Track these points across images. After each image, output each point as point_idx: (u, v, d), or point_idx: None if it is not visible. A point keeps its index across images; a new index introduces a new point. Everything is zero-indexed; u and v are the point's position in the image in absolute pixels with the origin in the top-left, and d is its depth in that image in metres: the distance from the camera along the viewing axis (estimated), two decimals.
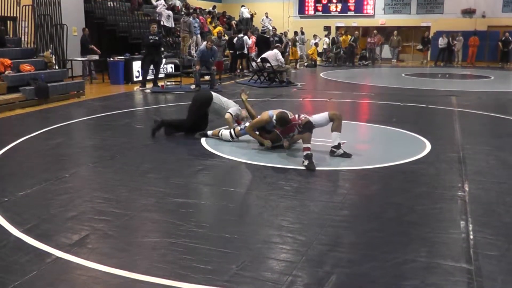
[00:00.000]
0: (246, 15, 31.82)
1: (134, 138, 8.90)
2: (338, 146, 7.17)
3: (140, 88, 16.26)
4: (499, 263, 4.03)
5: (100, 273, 3.86)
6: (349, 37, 29.40)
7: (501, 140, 8.78)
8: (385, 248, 4.29)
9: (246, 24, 30.49)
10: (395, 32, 31.34)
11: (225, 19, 30.39)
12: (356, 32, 30.62)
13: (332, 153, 7.22)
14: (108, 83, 18.03)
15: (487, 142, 8.55)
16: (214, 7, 32.14)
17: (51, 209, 5.23)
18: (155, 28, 16.87)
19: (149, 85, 16.81)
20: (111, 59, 18.26)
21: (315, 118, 7.32)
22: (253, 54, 21.98)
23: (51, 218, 4.98)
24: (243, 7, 32.49)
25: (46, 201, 5.48)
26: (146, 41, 16.45)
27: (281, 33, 27.64)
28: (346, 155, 7.11)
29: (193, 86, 16.12)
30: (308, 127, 6.99)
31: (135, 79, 18.32)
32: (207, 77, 16.49)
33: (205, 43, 16.27)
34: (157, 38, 16.56)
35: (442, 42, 29.29)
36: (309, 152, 6.79)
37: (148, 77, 17.39)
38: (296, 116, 7.52)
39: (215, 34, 21.17)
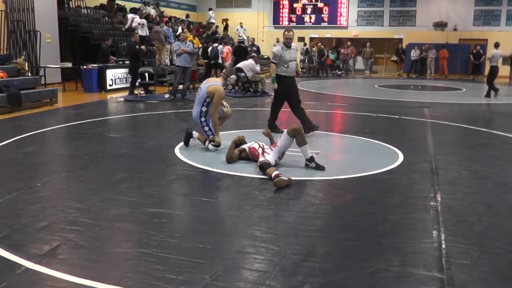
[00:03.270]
0: (213, 20, 31.91)
1: (107, 147, 8.82)
2: (311, 159, 7.16)
3: (126, 98, 16.02)
4: (471, 272, 4.07)
5: (71, 284, 3.79)
6: (322, 47, 29.64)
7: (472, 151, 8.90)
8: (358, 257, 4.30)
9: (213, 26, 30.68)
10: (368, 43, 31.72)
11: (201, 29, 30.36)
12: (319, 43, 30.80)
13: (306, 166, 7.22)
14: (82, 91, 17.87)
15: (459, 153, 8.66)
16: (187, 16, 32.13)
17: (22, 219, 5.14)
18: (137, 37, 16.87)
19: (122, 94, 16.69)
20: (85, 67, 18.10)
21: (279, 145, 7.25)
22: (228, 63, 21.95)
23: (22, 228, 4.89)
24: (211, 11, 32.54)
25: (17, 210, 5.39)
26: (133, 50, 16.37)
27: (239, 40, 27.68)
28: (319, 167, 7.10)
29: (167, 95, 16.05)
30: (262, 168, 6.94)
31: (108, 87, 18.21)
32: (180, 86, 16.41)
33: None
34: (137, 46, 16.59)
35: (414, 54, 29.70)
36: (310, 154, 7.15)
37: (121, 86, 17.27)
38: (260, 150, 7.41)
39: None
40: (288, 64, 9.62)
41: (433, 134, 10.23)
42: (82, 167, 7.28)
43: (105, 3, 25.53)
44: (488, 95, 18.27)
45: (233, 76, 8.78)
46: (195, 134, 8.64)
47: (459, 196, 6.10)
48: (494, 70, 18.42)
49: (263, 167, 6.78)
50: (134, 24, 23.54)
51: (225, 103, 8.89)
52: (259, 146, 7.45)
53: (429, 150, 8.72)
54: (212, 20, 32.19)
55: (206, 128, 8.40)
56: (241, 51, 22.61)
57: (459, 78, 28.15)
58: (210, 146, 8.39)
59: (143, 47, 17.57)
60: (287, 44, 9.58)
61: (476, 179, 6.91)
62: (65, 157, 8.20)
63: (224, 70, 9.03)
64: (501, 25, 31.04)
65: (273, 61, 9.73)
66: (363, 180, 6.74)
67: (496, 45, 19.04)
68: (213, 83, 8.46)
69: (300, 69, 10.57)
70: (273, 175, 6.46)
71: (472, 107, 15.47)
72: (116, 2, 27.28)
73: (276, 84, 9.80)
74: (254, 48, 24.97)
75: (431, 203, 5.76)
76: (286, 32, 9.60)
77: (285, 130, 7.30)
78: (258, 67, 18.09)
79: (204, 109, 8.37)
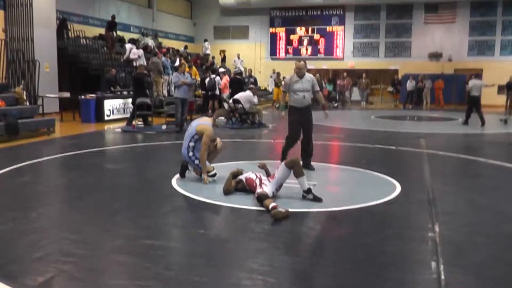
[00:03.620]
0: (208, 51, 32.18)
1: (104, 178, 8.78)
2: (308, 191, 7.11)
3: (123, 128, 16.03)
4: None
5: None
6: (318, 78, 29.81)
7: (469, 181, 8.89)
8: None
9: (208, 56, 30.90)
10: (364, 74, 31.95)
11: (198, 61, 30.56)
12: (317, 74, 31.06)
13: (303, 197, 7.17)
14: (79, 121, 17.87)
15: (456, 183, 8.64)
16: (185, 47, 32.36)
17: (17, 249, 5.09)
18: (143, 68, 16.94)
19: (119, 124, 16.70)
20: (83, 97, 18.14)
21: (277, 177, 7.24)
22: (225, 95, 21.99)
23: (16, 259, 4.83)
24: (206, 42, 32.83)
25: (12, 241, 5.33)
26: (139, 81, 16.41)
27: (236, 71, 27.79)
28: (316, 199, 7.06)
29: (164, 126, 16.04)
30: (259, 199, 6.92)
31: (106, 118, 18.23)
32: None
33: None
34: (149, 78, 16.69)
35: (410, 85, 29.86)
36: (307, 186, 7.09)
37: (119, 116, 17.27)
38: (257, 181, 7.38)
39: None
40: (298, 94, 9.39)
41: (430, 165, 10.21)
42: (78, 197, 7.23)
43: (104, 34, 25.72)
44: (466, 123, 18.75)
45: (222, 118, 8.78)
46: (190, 166, 8.64)
47: (457, 226, 6.06)
48: (474, 100, 18.74)
49: (261, 198, 6.74)
50: (132, 56, 23.68)
51: (217, 139, 8.86)
52: (257, 177, 7.42)
53: (426, 180, 8.70)
54: (208, 51, 32.50)
55: (197, 162, 8.38)
56: (237, 83, 22.68)
57: (455, 108, 28.27)
58: (209, 179, 8.38)
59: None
60: (298, 73, 9.41)
61: (474, 209, 6.87)
62: (61, 187, 8.16)
63: (216, 111, 9.05)
64: (495, 55, 31.42)
65: (283, 89, 9.82)
66: (361, 211, 6.69)
67: (476, 76, 19.78)
68: (203, 122, 8.51)
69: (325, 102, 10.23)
70: (270, 206, 6.42)
71: (468, 138, 15.50)
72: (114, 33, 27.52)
73: (283, 112, 10.00)
74: (252, 80, 25.06)
75: (429, 234, 5.72)
76: (297, 62, 9.56)
77: (282, 162, 7.28)
78: (255, 99, 18.14)
79: (191, 144, 8.39)
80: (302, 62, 9.52)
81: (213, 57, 32.34)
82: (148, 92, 17.45)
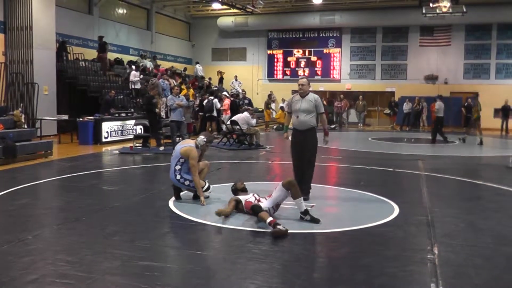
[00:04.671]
0: (200, 73, 32.26)
1: (100, 199, 8.72)
2: (306, 212, 7.07)
3: (121, 150, 15.94)
4: None
5: None
6: None
7: (468, 203, 8.85)
8: None
9: (200, 78, 31.07)
10: (361, 96, 32.04)
11: (196, 83, 30.64)
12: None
13: (301, 218, 7.11)
14: (77, 143, 17.84)
15: (455, 205, 8.60)
16: (185, 69, 32.44)
17: (12, 271, 5.02)
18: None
19: (117, 146, 16.66)
20: (81, 119, 18.13)
21: (274, 196, 7.20)
22: (226, 116, 21.98)
23: (10, 281, 4.76)
24: (198, 65, 32.96)
25: (7, 263, 5.26)
26: (150, 104, 16.32)
27: (233, 92, 27.87)
28: (314, 220, 7.01)
29: (161, 148, 15.99)
30: (254, 211, 6.88)
31: (104, 140, 18.20)
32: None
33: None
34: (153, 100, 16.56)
35: (406, 107, 29.91)
36: (305, 207, 7.03)
37: (117, 138, 17.22)
38: (253, 199, 7.35)
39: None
40: (297, 115, 8.75)
41: (428, 187, 10.17)
42: (74, 219, 7.17)
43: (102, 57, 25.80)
44: (433, 141, 20.61)
45: (202, 137, 8.68)
46: (183, 189, 8.62)
47: (457, 248, 6.01)
48: (440, 120, 20.88)
49: (255, 210, 6.72)
50: (133, 78, 23.75)
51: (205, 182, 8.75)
52: (256, 199, 7.37)
53: (424, 202, 8.66)
54: (200, 73, 32.52)
55: (187, 183, 8.34)
56: (233, 105, 22.72)
57: (452, 131, 28.28)
58: (204, 194, 8.36)
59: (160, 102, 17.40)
60: (300, 91, 8.81)
61: (473, 232, 6.83)
62: (57, 210, 8.10)
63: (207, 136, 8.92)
64: (491, 78, 31.53)
65: (286, 110, 9.41)
66: (359, 233, 6.65)
67: (441, 97, 21.66)
68: (186, 145, 8.50)
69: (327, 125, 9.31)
70: (268, 220, 6.41)
71: (465, 160, 15.48)
72: (111, 54, 27.60)
73: (286, 134, 9.63)
74: (246, 101, 25.03)
75: (428, 256, 5.66)
76: (299, 79, 9.03)
77: (280, 183, 7.25)
78: (253, 121, 18.13)
79: (178, 167, 8.38)
80: (304, 79, 8.89)
81: (210, 78, 32.43)
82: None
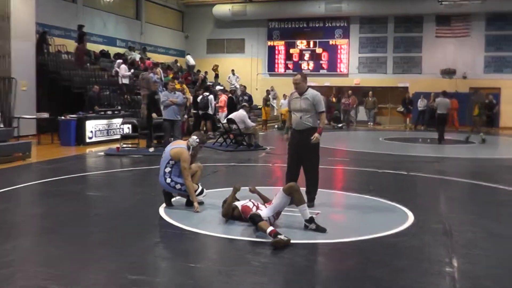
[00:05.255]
0: (192, 62, 32.14)
1: (85, 206, 8.72)
2: (311, 220, 7.04)
3: (107, 152, 15.92)
4: None
5: None
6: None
7: (487, 209, 8.84)
8: None
9: (187, 71, 31.06)
10: (370, 92, 31.98)
11: (190, 77, 30.62)
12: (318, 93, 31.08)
13: (305, 227, 7.09)
14: (58, 144, 17.81)
15: (473, 212, 8.61)
16: (176, 61, 32.36)
17: None
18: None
19: (102, 147, 16.66)
20: (62, 117, 18.08)
21: (274, 203, 7.18)
22: (223, 114, 21.95)
23: None
24: (188, 55, 33.01)
25: None
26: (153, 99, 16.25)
27: (232, 88, 27.73)
28: (319, 229, 6.99)
29: (151, 149, 15.97)
30: (252, 220, 6.87)
31: (88, 140, 18.17)
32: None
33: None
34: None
35: (421, 104, 29.86)
36: (309, 215, 6.99)
37: (102, 138, 17.20)
38: (254, 209, 7.32)
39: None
40: (294, 114, 8.68)
41: (445, 192, 10.18)
42: (56, 228, 7.17)
43: (88, 49, 25.74)
44: (440, 142, 20.58)
45: (194, 137, 8.67)
46: (174, 193, 8.61)
47: (475, 259, 6.02)
48: (441, 117, 20.88)
49: (254, 219, 6.71)
50: (124, 73, 23.67)
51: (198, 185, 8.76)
52: (254, 205, 7.37)
53: (441, 209, 8.66)
54: (191, 63, 32.34)
55: (178, 186, 8.34)
56: (230, 102, 22.69)
57: (471, 130, 28.25)
58: (197, 198, 8.37)
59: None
60: (296, 89, 8.70)
61: (493, 240, 6.84)
62: (38, 217, 8.09)
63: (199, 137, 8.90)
64: None
65: (289, 109, 9.10)
66: (369, 243, 6.64)
67: (444, 94, 21.43)
68: (177, 146, 8.52)
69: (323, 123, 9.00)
70: (268, 230, 6.39)
71: (485, 162, 15.49)
72: (97, 46, 27.60)
73: (286, 135, 9.28)
74: (246, 97, 24.92)
75: (446, 269, 5.66)
76: (294, 76, 8.82)
77: (281, 188, 7.23)
78: (251, 123, 17.99)
79: (167, 170, 8.38)
80: (298, 76, 8.68)
81: (206, 73, 32.41)
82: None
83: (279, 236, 6.29)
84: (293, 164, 8.79)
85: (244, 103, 20.61)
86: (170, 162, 8.36)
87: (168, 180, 8.35)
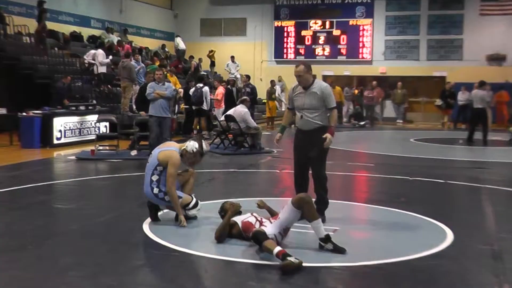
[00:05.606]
0: (182, 46, 31.98)
1: (52, 221, 8.74)
2: (327, 239, 6.97)
3: (78, 156, 15.93)
4: None
5: None
6: (338, 89, 29.77)
7: None
8: None
9: (177, 58, 30.98)
10: (399, 83, 31.82)
11: (180, 65, 30.56)
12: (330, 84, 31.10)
13: (320, 247, 7.04)
14: (18, 147, 17.81)
15: None
16: (163, 46, 32.24)
17: None
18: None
19: (73, 150, 16.68)
20: (24, 114, 18.07)
21: (281, 218, 7.15)
22: (220, 110, 21.91)
23: None
24: (178, 37, 32.72)
25: None
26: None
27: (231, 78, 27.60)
28: (337, 250, 6.95)
29: (133, 153, 15.95)
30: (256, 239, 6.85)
31: (56, 142, 18.14)
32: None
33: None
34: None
35: (462, 97, 29.67)
36: (324, 233, 6.91)
37: (73, 139, 17.24)
38: (257, 224, 7.31)
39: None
40: (298, 111, 8.67)
41: (493, 205, 10.13)
42: (17, 248, 7.15)
43: (55, 31, 25.75)
44: (469, 141, 21.15)
45: (192, 143, 8.63)
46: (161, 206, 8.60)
47: None
48: (474, 113, 21.35)
49: (257, 237, 6.67)
50: (103, 59, 23.66)
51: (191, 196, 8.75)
52: (257, 220, 7.35)
53: (488, 226, 8.64)
54: (182, 46, 32.02)
55: (167, 198, 8.33)
56: (227, 95, 22.65)
57: None
58: (191, 212, 8.36)
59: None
60: (300, 83, 8.66)
61: None
62: None
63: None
64: None
65: (288, 106, 9.20)
66: (397, 267, 6.63)
67: (481, 84, 21.61)
68: (166, 148, 8.53)
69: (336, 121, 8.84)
70: (275, 251, 6.36)
71: None
72: (67, 27, 27.58)
73: (278, 135, 9.19)
74: (248, 90, 24.78)
75: None
76: (295, 67, 8.74)
77: (289, 200, 7.20)
78: (253, 122, 17.86)
79: (155, 178, 8.38)
80: (301, 66, 8.60)
81: (200, 60, 32.40)
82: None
83: (288, 258, 6.25)
84: (301, 171, 8.81)
85: (245, 97, 20.52)
86: (158, 168, 8.35)
87: (156, 190, 8.34)
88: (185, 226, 8.11)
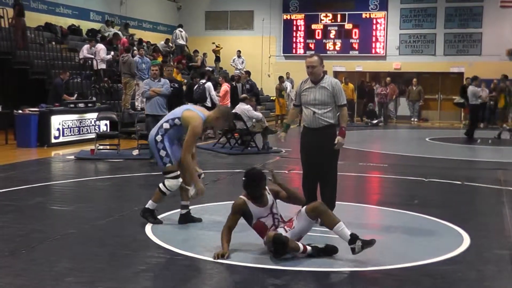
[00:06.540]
0: (181, 41, 32.04)
1: (48, 224, 8.73)
2: (353, 239, 6.80)
3: (77, 155, 15.96)
4: None
5: None
6: (351, 86, 29.77)
7: None
8: None
9: (181, 52, 30.86)
10: (415, 80, 31.78)
11: (184, 60, 30.53)
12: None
13: (352, 251, 6.83)
14: (14, 146, 17.85)
15: None
16: (166, 40, 32.21)
17: None
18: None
19: (71, 150, 16.71)
20: (20, 111, 18.09)
21: (297, 228, 7.11)
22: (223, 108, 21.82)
23: None
24: (179, 29, 32.53)
25: None
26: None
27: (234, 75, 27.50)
28: (367, 244, 6.78)
29: (135, 152, 15.97)
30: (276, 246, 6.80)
31: (53, 140, 18.15)
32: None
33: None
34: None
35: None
36: (349, 233, 6.81)
37: (72, 137, 17.26)
38: (270, 222, 7.28)
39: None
40: (307, 108, 8.57)
41: None
42: (10, 253, 7.16)
43: (52, 24, 25.73)
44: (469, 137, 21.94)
45: (225, 122, 8.63)
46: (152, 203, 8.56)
47: None
48: (473, 110, 22.38)
49: (281, 241, 6.60)
50: (104, 55, 23.66)
51: (199, 170, 8.73)
52: (272, 225, 7.19)
53: (507, 230, 8.62)
54: (181, 41, 31.84)
55: (163, 153, 8.28)
56: (232, 91, 22.59)
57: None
58: (191, 191, 8.32)
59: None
60: (311, 75, 8.54)
61: None
62: None
63: (222, 110, 8.80)
64: None
65: (294, 102, 9.09)
66: (412, 272, 6.63)
67: (472, 79, 22.81)
68: (194, 109, 8.43)
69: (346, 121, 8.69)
70: (301, 249, 6.65)
71: None
72: (65, 20, 27.57)
73: (282, 134, 9.19)
74: (247, 86, 24.73)
75: None
76: (308, 58, 8.70)
77: (303, 208, 7.16)
78: (256, 113, 17.83)
79: (166, 126, 8.34)
80: (315, 57, 8.59)
81: (204, 54, 32.36)
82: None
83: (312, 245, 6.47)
84: (310, 172, 8.77)
85: (244, 94, 20.53)
86: (176, 120, 8.28)
87: (159, 137, 8.29)
88: (203, 195, 8.23)
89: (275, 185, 7.42)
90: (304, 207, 7.15)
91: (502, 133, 22.65)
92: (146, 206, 8.52)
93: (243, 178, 7.29)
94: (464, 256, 7.25)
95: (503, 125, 22.47)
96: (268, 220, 7.25)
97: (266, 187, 7.34)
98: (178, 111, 8.37)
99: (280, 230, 7.12)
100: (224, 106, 8.68)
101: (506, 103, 23.24)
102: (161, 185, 8.38)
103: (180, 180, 8.43)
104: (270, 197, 7.30)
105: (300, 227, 7.05)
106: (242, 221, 7.25)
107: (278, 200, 7.40)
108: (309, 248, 6.61)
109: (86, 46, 24.19)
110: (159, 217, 8.61)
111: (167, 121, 8.34)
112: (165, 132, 8.30)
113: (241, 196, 7.29)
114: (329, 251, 6.95)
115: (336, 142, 8.37)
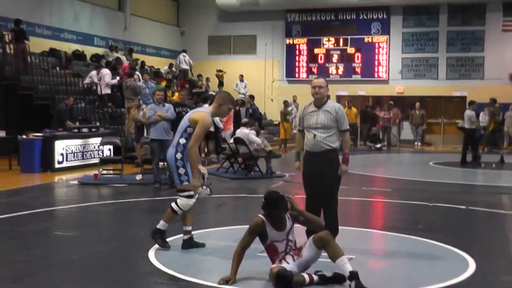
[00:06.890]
0: (184, 66, 32.00)
1: (51, 250, 8.72)
2: (353, 276, 6.68)
3: (81, 180, 15.96)
4: None
5: None
6: (354, 110, 29.78)
7: None
8: None
9: (183, 77, 30.85)
10: (418, 104, 31.74)
11: (187, 85, 30.54)
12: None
13: (350, 283, 6.75)
14: (18, 171, 17.85)
15: None
16: (170, 65, 32.25)
17: None
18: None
19: (75, 175, 16.70)
20: (24, 136, 18.11)
21: (304, 257, 7.06)
22: (228, 132, 21.85)
23: None
24: (183, 53, 32.49)
25: None
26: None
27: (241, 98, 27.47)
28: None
29: (139, 177, 15.96)
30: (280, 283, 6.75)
31: (57, 166, 18.14)
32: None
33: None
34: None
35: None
36: (349, 269, 6.68)
37: (76, 163, 17.22)
38: (282, 253, 7.24)
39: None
40: (309, 131, 8.51)
41: None
42: (12, 280, 7.13)
43: (56, 49, 25.80)
44: (476, 161, 21.78)
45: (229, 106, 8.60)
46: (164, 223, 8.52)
47: None
48: (469, 134, 21.60)
49: (285, 277, 6.55)
50: (109, 80, 23.70)
51: (203, 171, 8.69)
52: (283, 251, 7.15)
53: None
54: (184, 66, 31.75)
55: (182, 171, 8.27)
56: (235, 116, 22.59)
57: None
58: (201, 192, 8.42)
59: None
60: (315, 98, 8.50)
61: None
62: None
63: (219, 96, 8.86)
64: None
65: (298, 127, 9.00)
66: None
67: (470, 104, 22.34)
68: (200, 109, 8.56)
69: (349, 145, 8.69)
70: (307, 280, 6.62)
71: None
72: (69, 45, 27.65)
73: (298, 163, 8.95)
74: (250, 111, 24.70)
75: None
76: (314, 79, 8.73)
77: (311, 237, 7.12)
78: (257, 139, 17.77)
79: (182, 141, 8.31)
80: (321, 79, 8.59)
81: (208, 79, 32.42)
82: None
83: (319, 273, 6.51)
84: (312, 197, 8.70)
85: (245, 119, 20.55)
86: (188, 130, 8.25)
87: (179, 155, 8.29)
88: (210, 194, 8.52)
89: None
90: (312, 236, 7.10)
91: (503, 156, 22.65)
92: (157, 226, 8.48)
93: (263, 200, 7.17)
94: (470, 281, 7.20)
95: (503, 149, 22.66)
96: (281, 246, 7.17)
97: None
98: (184, 122, 8.35)
99: (288, 258, 7.05)
100: (222, 92, 8.70)
101: (495, 126, 23.33)
102: (173, 204, 8.36)
103: (193, 201, 8.43)
104: (289, 223, 7.23)
105: (307, 256, 7.00)
106: (253, 245, 7.20)
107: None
108: (315, 277, 6.57)
109: (94, 72, 24.26)
110: None
111: (181, 137, 8.32)
112: (184, 148, 8.29)
113: (260, 216, 7.16)
114: (337, 279, 6.89)
115: (340, 170, 8.37)
